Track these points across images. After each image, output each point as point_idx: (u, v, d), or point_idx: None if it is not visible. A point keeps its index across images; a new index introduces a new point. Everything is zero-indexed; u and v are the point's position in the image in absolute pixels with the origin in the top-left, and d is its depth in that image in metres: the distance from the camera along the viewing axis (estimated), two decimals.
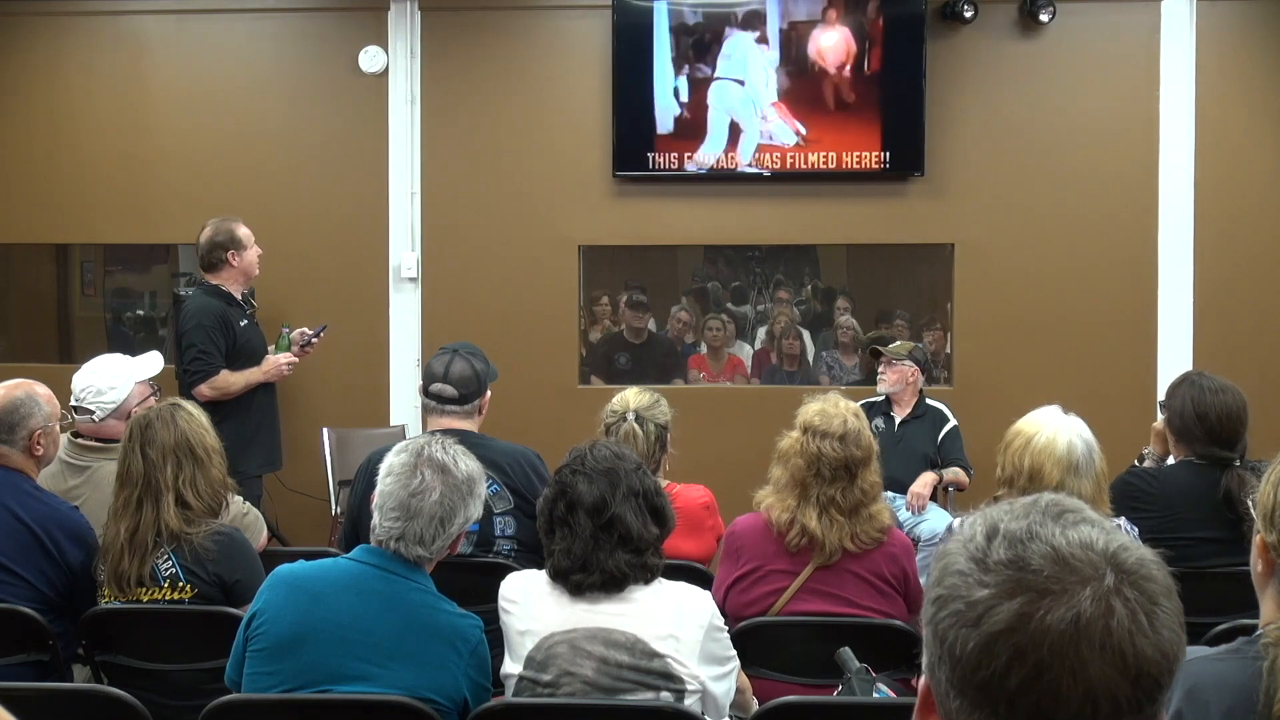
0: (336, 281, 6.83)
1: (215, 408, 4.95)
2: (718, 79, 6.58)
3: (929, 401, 5.78)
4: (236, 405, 5.17)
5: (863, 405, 5.69)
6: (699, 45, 6.61)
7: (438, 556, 2.67)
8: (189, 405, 3.40)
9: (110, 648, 3.23)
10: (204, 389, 5.05)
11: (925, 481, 5.41)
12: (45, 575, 3.31)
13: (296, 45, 6.88)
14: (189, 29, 6.87)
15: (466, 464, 2.69)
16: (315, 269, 6.82)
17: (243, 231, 5.34)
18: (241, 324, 5.27)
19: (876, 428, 5.64)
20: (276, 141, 6.84)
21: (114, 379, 3.93)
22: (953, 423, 5.69)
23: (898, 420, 5.71)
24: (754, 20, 6.59)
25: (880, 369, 5.77)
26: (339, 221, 6.83)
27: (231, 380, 5.16)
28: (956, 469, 5.55)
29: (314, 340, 5.64)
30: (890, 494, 5.38)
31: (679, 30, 6.59)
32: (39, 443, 3.44)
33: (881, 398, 5.75)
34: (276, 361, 5.34)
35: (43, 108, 6.92)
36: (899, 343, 5.97)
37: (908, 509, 5.40)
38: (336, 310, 6.82)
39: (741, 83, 6.58)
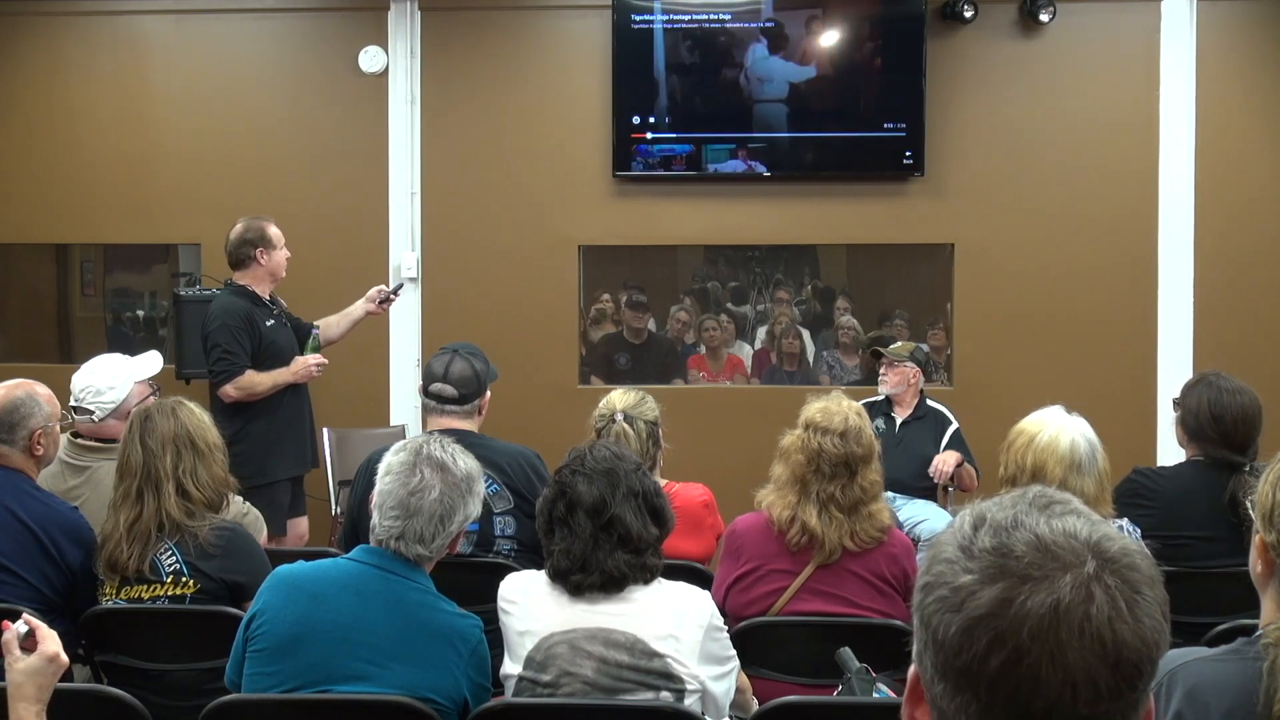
0: (336, 281, 6.82)
1: (244, 410, 4.97)
2: (761, 100, 6.59)
3: (929, 403, 5.77)
4: (264, 407, 5.08)
5: (863, 405, 5.71)
6: (697, 45, 6.62)
7: (437, 555, 2.67)
8: (191, 403, 3.39)
9: (110, 648, 3.23)
10: (229, 389, 4.98)
11: (951, 457, 5.42)
12: (45, 575, 3.31)
13: (296, 45, 6.88)
14: (189, 29, 6.87)
15: (465, 462, 2.69)
16: (315, 269, 6.81)
17: (273, 231, 5.32)
18: (268, 324, 5.19)
19: (877, 428, 5.62)
20: (276, 141, 6.84)
21: (113, 379, 3.93)
22: (955, 425, 5.69)
23: (899, 421, 5.70)
24: (752, 20, 6.59)
25: (881, 370, 5.77)
26: (339, 221, 6.82)
27: (258, 380, 5.05)
28: (969, 468, 5.58)
29: (393, 296, 5.62)
30: (890, 494, 5.38)
31: (678, 30, 6.59)
32: (39, 442, 3.43)
33: (882, 398, 5.75)
34: (306, 363, 5.24)
35: (43, 108, 6.92)
36: (900, 344, 5.95)
37: (932, 473, 5.42)
38: (336, 310, 6.81)
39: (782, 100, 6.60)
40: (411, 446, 2.69)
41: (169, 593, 3.17)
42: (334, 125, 6.83)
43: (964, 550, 1.05)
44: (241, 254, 5.23)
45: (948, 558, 1.05)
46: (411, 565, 2.62)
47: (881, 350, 5.81)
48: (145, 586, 3.18)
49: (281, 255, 5.33)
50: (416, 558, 2.62)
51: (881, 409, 5.73)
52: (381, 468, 2.69)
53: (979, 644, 1.01)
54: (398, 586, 2.59)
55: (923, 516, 5.39)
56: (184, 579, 3.17)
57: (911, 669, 1.09)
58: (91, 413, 3.88)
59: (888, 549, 3.28)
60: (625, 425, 3.69)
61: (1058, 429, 3.18)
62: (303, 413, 5.30)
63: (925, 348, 6.02)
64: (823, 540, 3.22)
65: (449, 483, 2.63)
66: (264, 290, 5.27)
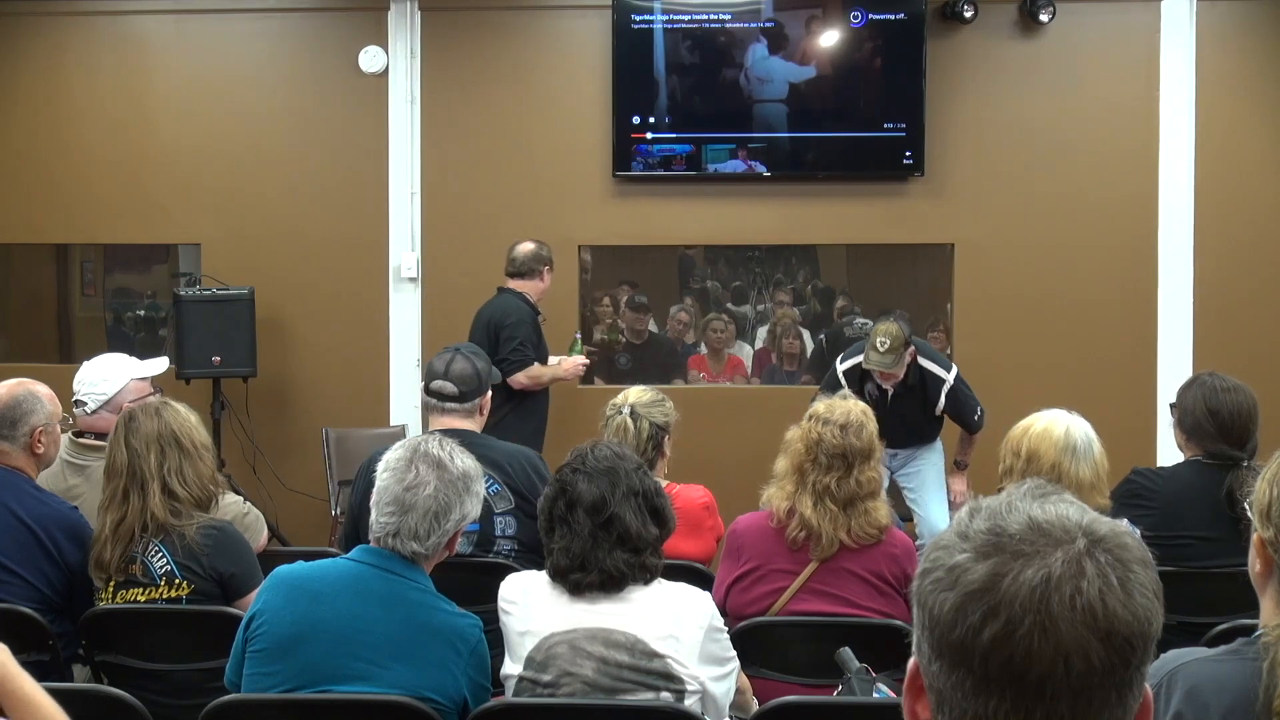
0: (336, 281, 6.83)
1: (525, 400, 5.74)
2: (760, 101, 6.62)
3: (922, 363, 5.47)
4: (539, 401, 5.87)
5: (847, 370, 5.69)
6: (697, 45, 6.62)
7: (434, 554, 2.67)
8: (179, 405, 3.38)
9: (110, 648, 3.22)
10: (520, 377, 5.68)
11: (962, 478, 5.65)
12: (45, 575, 3.31)
13: (296, 45, 6.88)
14: (189, 29, 6.87)
15: (463, 461, 2.70)
16: (315, 269, 6.83)
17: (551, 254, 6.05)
18: (541, 329, 5.94)
19: (870, 394, 5.55)
20: (277, 142, 6.85)
21: (109, 373, 3.93)
22: (948, 382, 5.47)
23: (890, 392, 5.51)
24: (752, 20, 6.59)
25: (881, 377, 5.46)
26: (339, 221, 6.83)
27: (542, 372, 5.84)
28: (969, 439, 5.65)
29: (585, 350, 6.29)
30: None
31: (678, 30, 6.59)
32: (40, 440, 3.44)
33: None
34: (576, 362, 6.04)
35: (43, 108, 6.92)
36: (883, 350, 5.38)
37: (952, 505, 5.52)
38: (336, 310, 6.83)
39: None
40: (410, 444, 2.70)
41: (164, 595, 3.17)
42: (334, 125, 6.83)
43: (960, 535, 1.08)
44: (532, 268, 5.94)
45: (945, 544, 1.08)
46: (410, 564, 2.62)
47: (870, 369, 5.42)
48: (140, 590, 3.17)
49: (551, 276, 6.06)
50: (413, 555, 2.62)
51: (872, 376, 5.51)
52: (380, 465, 2.70)
53: (972, 617, 1.02)
54: (397, 586, 2.59)
55: (920, 464, 5.55)
56: (177, 580, 3.17)
57: (911, 660, 1.11)
58: (85, 404, 3.88)
59: (887, 549, 3.28)
60: (628, 420, 3.71)
61: (1052, 419, 3.26)
62: (548, 408, 6.01)
63: (904, 322, 5.55)
64: (819, 533, 3.22)
65: (445, 480, 2.63)
66: (534, 299, 5.95)
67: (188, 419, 3.33)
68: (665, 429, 3.78)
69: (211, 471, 3.33)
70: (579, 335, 6.34)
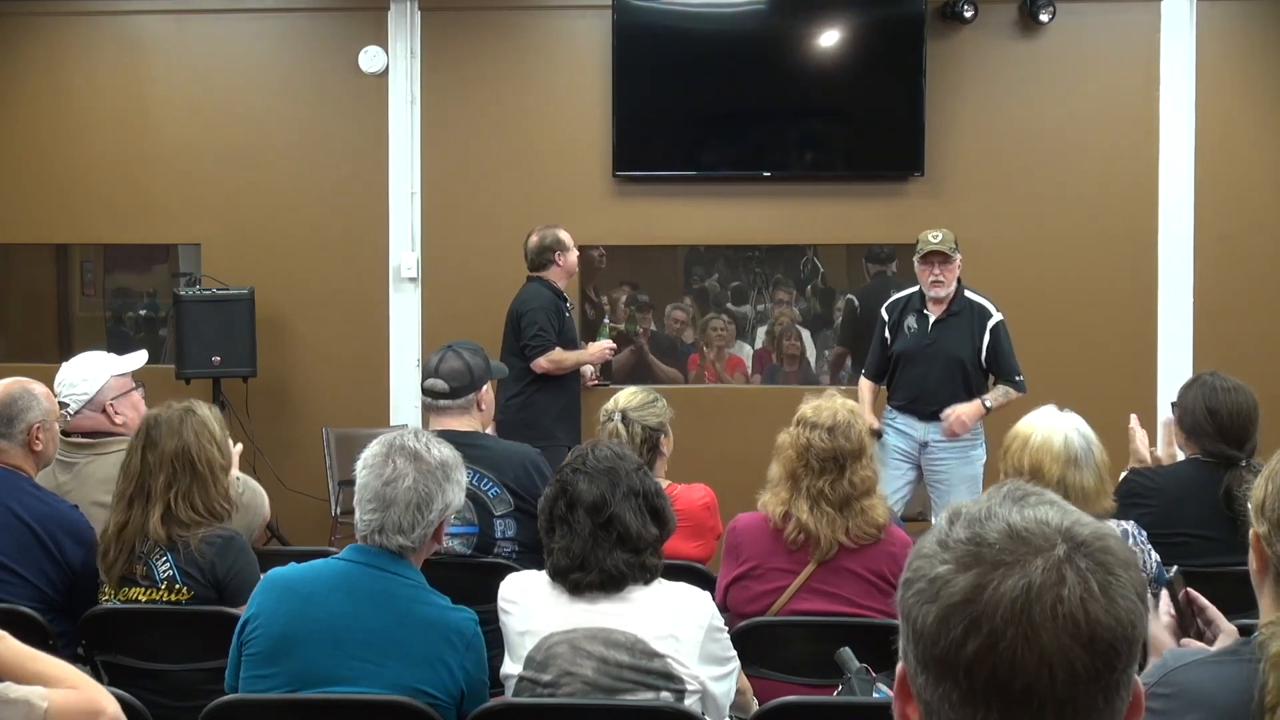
0: (336, 281, 6.83)
1: (551, 379, 5.82)
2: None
3: (968, 294, 5.40)
4: (567, 380, 5.93)
5: (890, 304, 5.55)
6: (697, 45, 6.61)
7: (421, 546, 2.66)
8: (205, 412, 3.32)
9: (110, 648, 3.22)
10: (541, 361, 5.77)
11: (972, 411, 5.25)
12: (45, 575, 3.31)
13: (296, 45, 6.88)
14: (189, 29, 6.88)
15: (440, 450, 2.70)
16: (315, 269, 6.83)
17: (564, 235, 5.99)
18: (566, 315, 5.98)
19: (909, 328, 5.41)
20: (276, 142, 6.85)
21: (86, 372, 3.90)
22: (996, 317, 5.35)
23: (932, 319, 5.37)
24: (752, 20, 6.59)
25: (935, 271, 5.31)
26: (339, 221, 6.83)
27: (565, 356, 5.86)
28: (1006, 389, 5.29)
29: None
30: (901, 418, 5.21)
31: (678, 30, 6.58)
32: (38, 438, 3.43)
33: (915, 290, 5.45)
34: (602, 346, 6.20)
35: (43, 108, 6.92)
36: (936, 241, 5.32)
37: (945, 433, 5.23)
38: (336, 310, 6.83)
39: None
40: (386, 439, 2.71)
41: (164, 598, 3.17)
42: (334, 125, 6.83)
43: (940, 544, 1.07)
44: (543, 259, 5.96)
45: (926, 553, 1.08)
46: (398, 559, 2.62)
47: (935, 247, 5.27)
48: (142, 590, 3.18)
49: (574, 255, 6.02)
50: (400, 549, 2.62)
51: (915, 305, 5.43)
52: (359, 463, 2.70)
53: (955, 630, 1.02)
54: (386, 582, 2.59)
55: (951, 477, 5.28)
56: (178, 585, 3.16)
57: (899, 666, 1.11)
58: (68, 406, 3.87)
59: (886, 547, 3.27)
60: (621, 426, 3.68)
61: (1050, 428, 3.20)
62: (579, 391, 6.09)
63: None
64: (817, 537, 3.22)
65: (423, 470, 2.64)
66: (561, 285, 6.00)
67: (210, 434, 3.25)
68: (659, 430, 3.74)
69: (224, 489, 3.28)
70: (606, 320, 6.50)
